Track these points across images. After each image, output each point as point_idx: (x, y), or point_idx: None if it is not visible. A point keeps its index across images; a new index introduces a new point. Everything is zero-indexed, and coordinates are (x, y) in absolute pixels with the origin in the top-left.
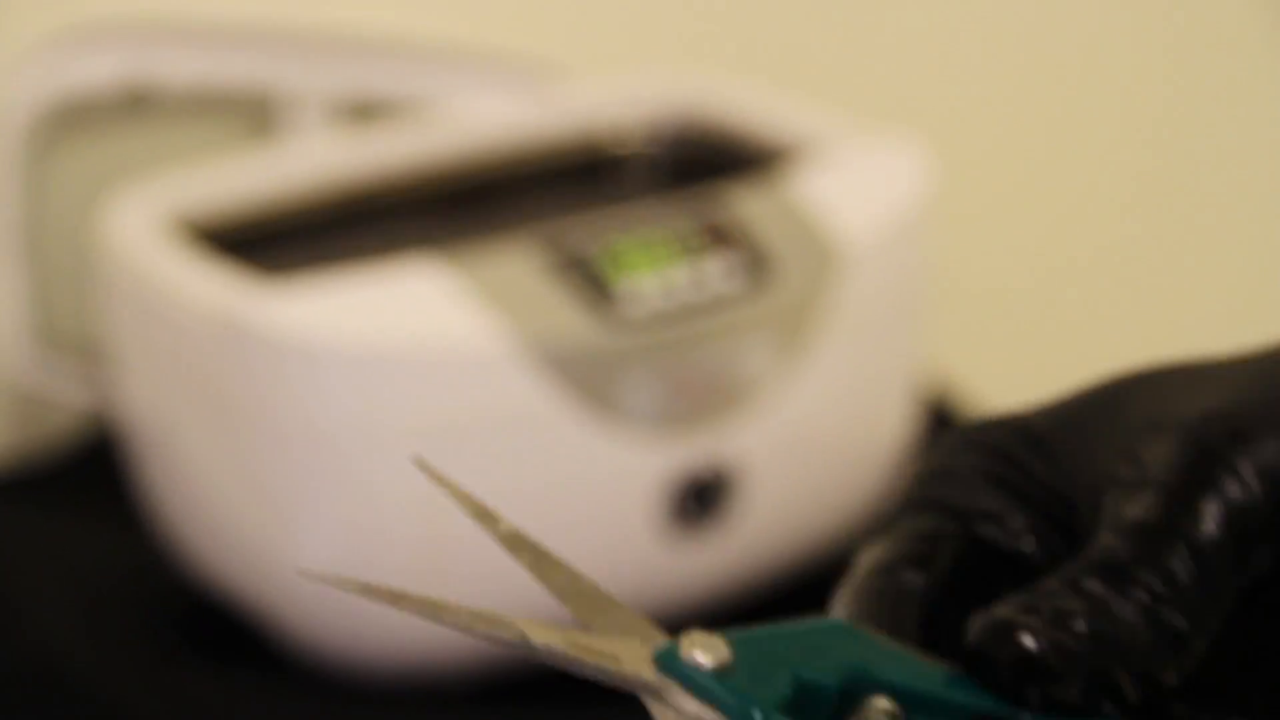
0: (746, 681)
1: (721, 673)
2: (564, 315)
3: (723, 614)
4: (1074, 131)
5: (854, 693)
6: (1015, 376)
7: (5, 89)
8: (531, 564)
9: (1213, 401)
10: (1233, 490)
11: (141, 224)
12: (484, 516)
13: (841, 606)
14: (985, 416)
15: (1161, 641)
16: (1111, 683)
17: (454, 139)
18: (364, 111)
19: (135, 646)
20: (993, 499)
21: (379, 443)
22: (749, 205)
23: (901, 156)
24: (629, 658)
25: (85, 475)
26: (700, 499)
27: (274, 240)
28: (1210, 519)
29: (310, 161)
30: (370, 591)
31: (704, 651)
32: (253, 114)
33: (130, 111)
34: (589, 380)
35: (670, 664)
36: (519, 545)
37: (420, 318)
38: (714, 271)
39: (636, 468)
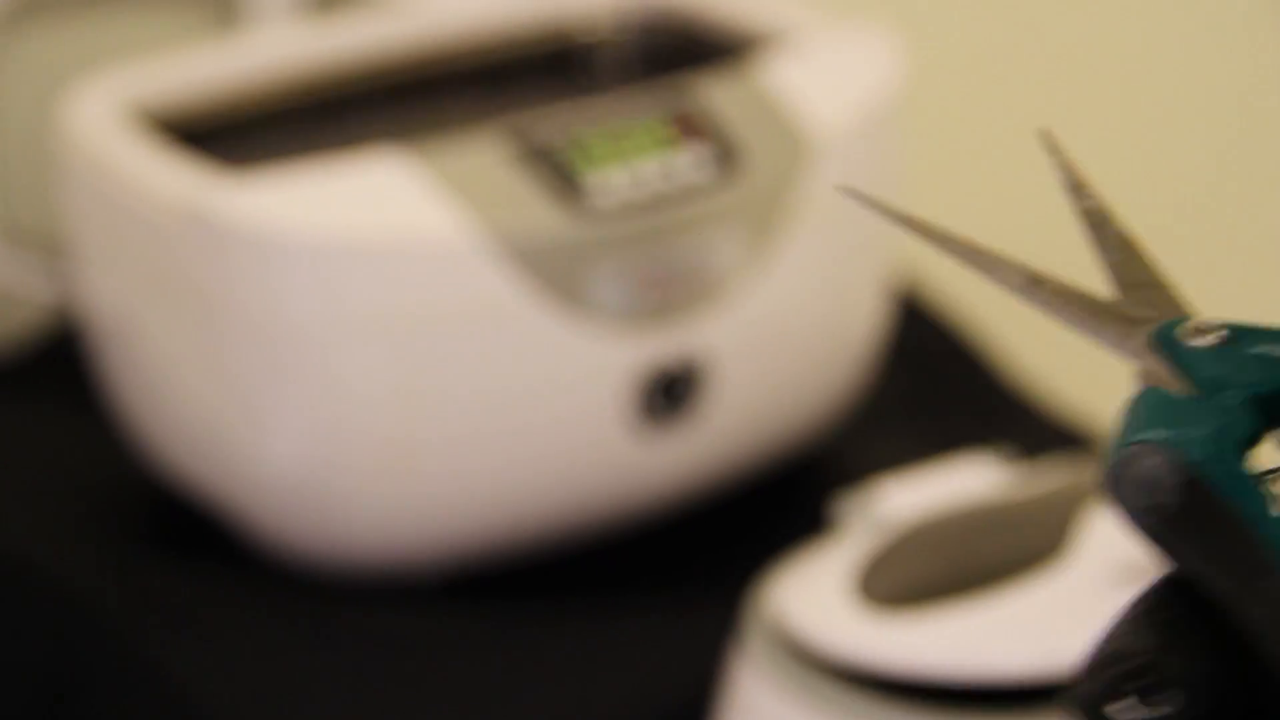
0: (1230, 368)
1: (1208, 353)
2: (530, 207)
3: (692, 508)
4: (1048, 28)
5: None
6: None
7: None
8: (1107, 243)
9: None
10: None
11: (101, 115)
12: (1076, 188)
13: None
14: None
15: None
16: None
17: (420, 28)
18: (329, 1)
19: (99, 540)
20: None
21: (343, 335)
22: (718, 96)
23: (872, 47)
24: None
25: (48, 370)
26: (669, 392)
27: (235, 131)
28: None
29: (272, 51)
30: (907, 222)
31: (1201, 334)
32: (215, 2)
33: (89, 1)
34: (556, 273)
35: (1164, 337)
36: (1100, 222)
37: (385, 209)
38: (683, 163)
39: (605, 361)
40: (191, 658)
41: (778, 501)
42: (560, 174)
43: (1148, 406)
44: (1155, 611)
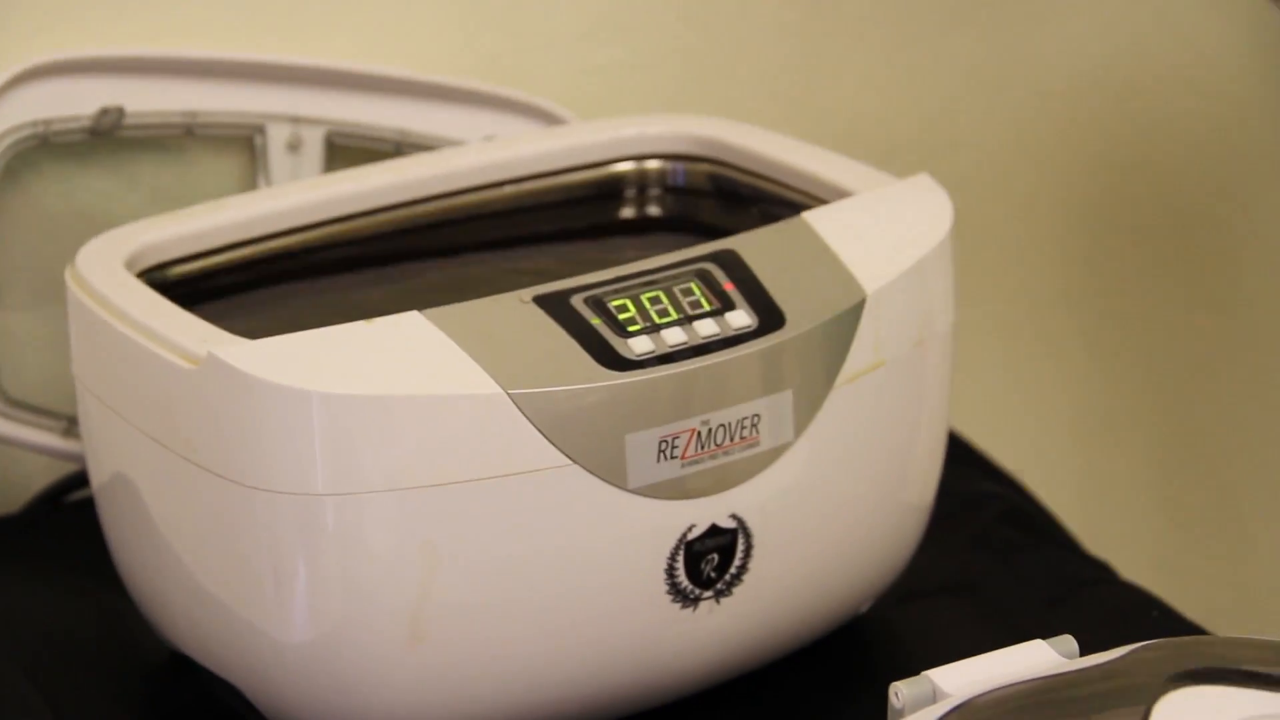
0: None
1: None
2: (564, 368)
3: (733, 680)
4: (1083, 190)
5: None
6: (1003, 412)
7: None
8: None
9: None
10: None
11: (113, 271)
12: None
13: None
14: None
15: None
16: None
17: (451, 178)
18: (350, 151)
19: (99, 710)
20: None
21: (366, 495)
22: (762, 252)
23: (919, 200)
24: None
25: (50, 529)
26: (711, 560)
27: (252, 290)
28: None
29: (291, 204)
30: None
31: None
32: (233, 150)
33: (106, 147)
34: (591, 435)
35: None
36: None
37: (412, 368)
38: (726, 323)
39: (643, 528)
40: None
41: (825, 670)
42: (598, 333)
43: None
44: None
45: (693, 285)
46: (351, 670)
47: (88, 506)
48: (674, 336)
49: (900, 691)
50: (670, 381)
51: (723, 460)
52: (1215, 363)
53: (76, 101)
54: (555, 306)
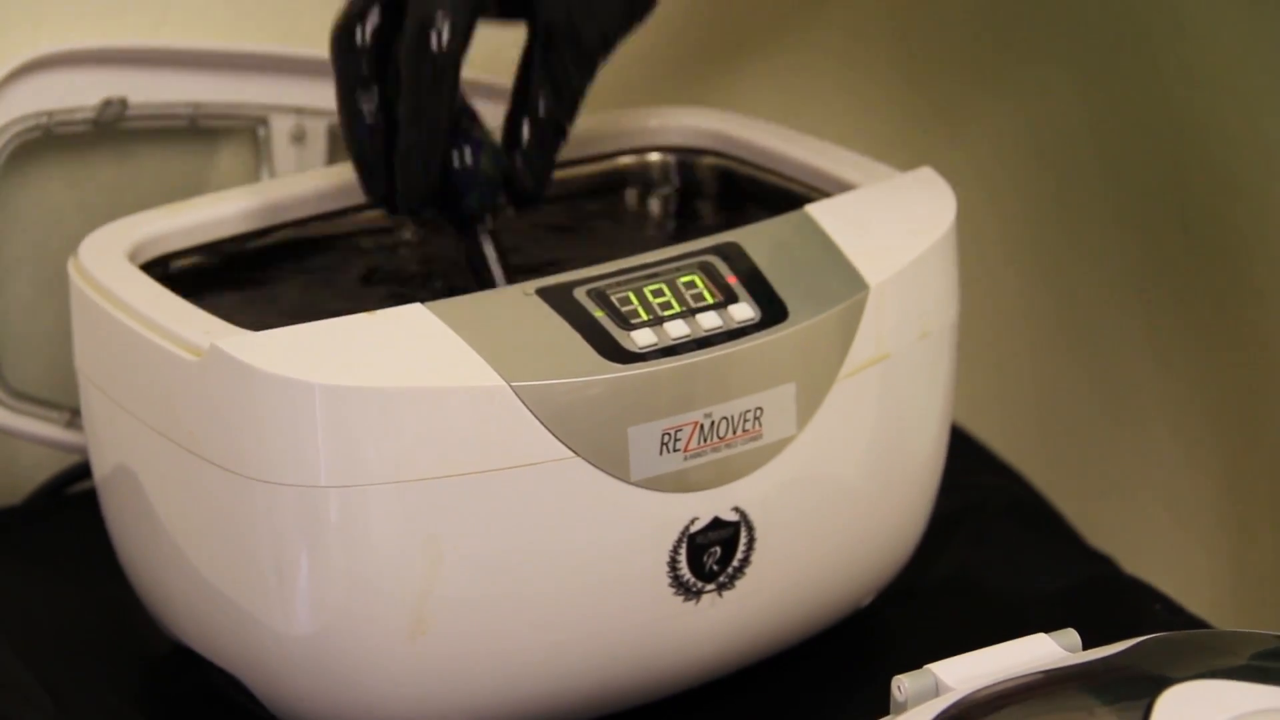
0: None
1: None
2: (568, 360)
3: (737, 673)
4: (1089, 167)
5: None
6: (1008, 406)
7: None
8: None
9: None
10: None
11: (115, 263)
12: None
13: None
14: None
15: None
16: None
17: None
18: None
19: (104, 707)
20: None
21: (368, 486)
22: (765, 244)
23: (922, 194)
24: None
25: (52, 521)
26: (714, 553)
27: (255, 282)
28: None
29: (295, 195)
30: None
31: None
32: (236, 142)
33: (109, 138)
34: (594, 428)
35: None
36: None
37: (414, 359)
38: (730, 315)
39: (646, 520)
40: None
41: (828, 664)
42: (600, 326)
43: None
44: None
45: (695, 278)
46: (354, 662)
47: (90, 498)
48: (677, 329)
49: (903, 685)
50: (673, 374)
51: (725, 453)
52: (1219, 356)
53: (79, 93)
54: (558, 299)
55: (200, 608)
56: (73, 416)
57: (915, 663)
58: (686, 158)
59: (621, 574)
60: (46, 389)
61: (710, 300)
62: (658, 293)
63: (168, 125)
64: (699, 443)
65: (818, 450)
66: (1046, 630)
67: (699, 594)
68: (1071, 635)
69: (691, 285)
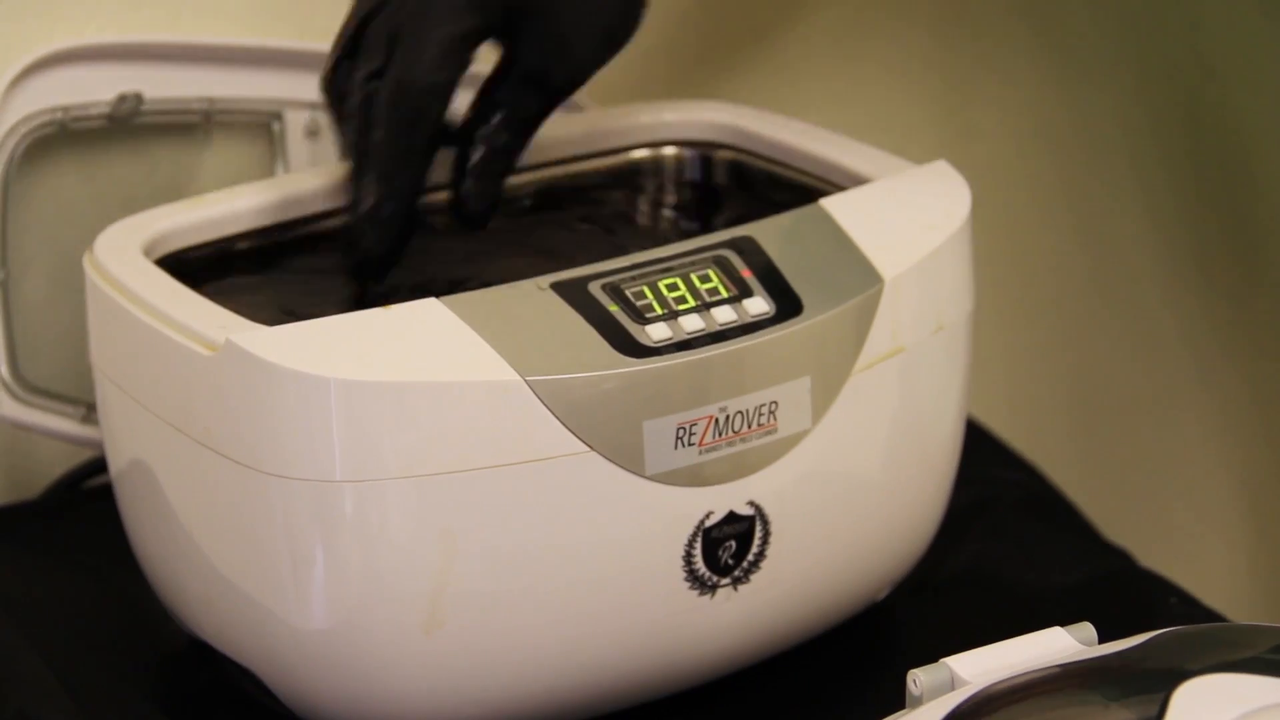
0: None
1: None
2: (582, 354)
3: (753, 667)
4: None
5: None
6: (1018, 400)
7: None
8: None
9: None
10: None
11: (131, 258)
12: None
13: None
14: None
15: None
16: None
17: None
18: None
19: (121, 701)
20: None
21: (384, 481)
22: (780, 238)
23: (937, 187)
24: None
25: (69, 515)
26: (729, 547)
27: (270, 277)
28: None
29: (309, 190)
30: None
31: None
32: (251, 136)
33: (124, 133)
34: (609, 422)
35: None
36: None
37: (429, 353)
38: (745, 309)
39: (661, 515)
40: None
41: (843, 658)
42: (615, 320)
43: None
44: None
45: (710, 272)
46: (369, 657)
47: (106, 493)
48: (692, 323)
49: (918, 679)
50: (688, 368)
51: (740, 447)
52: (1236, 348)
53: (94, 88)
54: (573, 293)
55: (216, 603)
56: (88, 411)
57: (931, 657)
58: (701, 152)
59: (636, 568)
60: (62, 384)
61: (725, 294)
62: (672, 287)
63: (183, 120)
64: (714, 437)
65: (832, 444)
66: (1062, 624)
67: (714, 588)
68: (1087, 629)
69: (706, 279)
